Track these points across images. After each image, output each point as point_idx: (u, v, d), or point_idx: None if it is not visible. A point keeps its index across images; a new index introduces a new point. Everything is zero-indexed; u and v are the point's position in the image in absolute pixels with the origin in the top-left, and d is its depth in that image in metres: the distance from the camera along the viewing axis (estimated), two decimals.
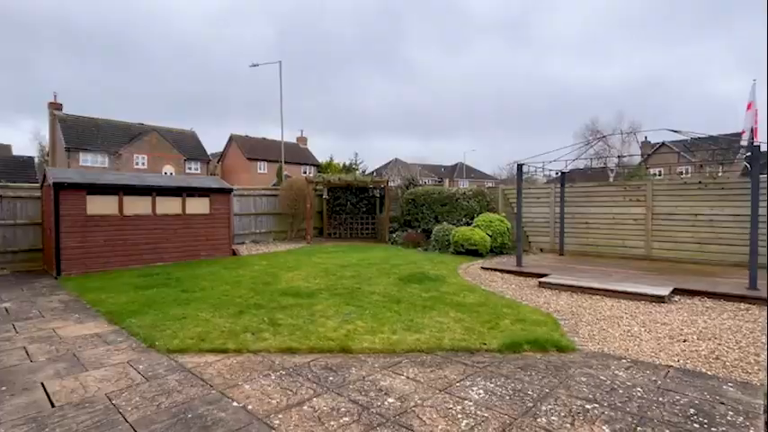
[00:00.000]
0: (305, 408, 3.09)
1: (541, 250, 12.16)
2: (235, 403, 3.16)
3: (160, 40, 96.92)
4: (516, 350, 4.30)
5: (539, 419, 2.91)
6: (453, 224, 12.73)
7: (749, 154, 7.05)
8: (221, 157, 48.41)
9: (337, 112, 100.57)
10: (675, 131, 7.86)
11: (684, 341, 4.61)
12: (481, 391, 3.35)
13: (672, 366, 3.91)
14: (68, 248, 8.82)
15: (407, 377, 3.64)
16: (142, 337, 4.69)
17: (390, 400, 3.21)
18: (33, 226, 10.09)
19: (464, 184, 42.82)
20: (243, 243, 13.87)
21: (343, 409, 3.05)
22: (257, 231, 14.71)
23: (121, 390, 3.41)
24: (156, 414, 3.00)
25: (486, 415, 2.98)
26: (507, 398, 3.24)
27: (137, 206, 9.93)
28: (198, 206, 10.98)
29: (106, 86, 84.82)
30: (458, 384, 3.49)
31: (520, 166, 9.55)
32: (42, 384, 3.52)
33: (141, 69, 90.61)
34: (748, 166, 7.40)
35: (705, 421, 2.88)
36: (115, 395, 3.31)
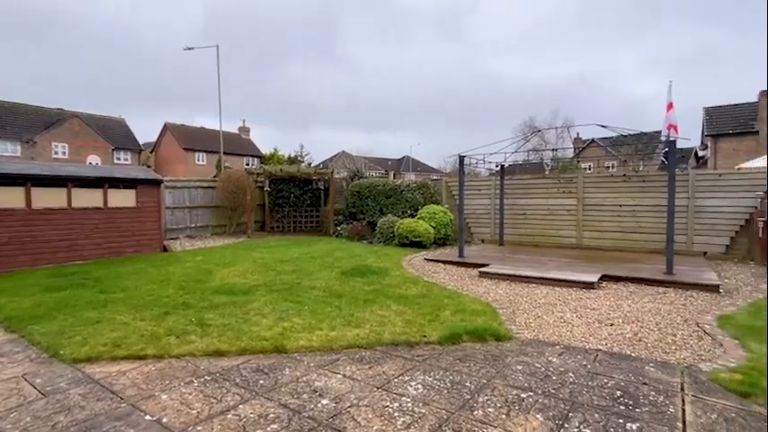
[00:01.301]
0: (229, 416, 2.82)
1: (483, 241, 12.49)
2: (148, 417, 2.82)
3: (87, 21, 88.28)
4: (456, 341, 4.28)
5: (475, 412, 2.87)
6: (398, 216, 12.72)
7: (666, 149, 7.60)
8: (155, 146, 45.13)
9: (284, 105, 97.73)
10: (604, 126, 8.28)
11: (611, 325, 4.85)
12: (419, 386, 3.26)
13: (600, 350, 4.07)
14: None
15: (344, 375, 3.47)
16: (44, 346, 4.13)
17: (324, 401, 3.03)
18: None
19: (411, 177, 43.22)
20: (177, 238, 12.97)
21: (271, 416, 2.83)
22: (193, 225, 13.83)
23: (9, 410, 2.93)
24: None
25: (423, 411, 2.88)
26: (445, 391, 3.18)
27: (49, 199, 8.90)
28: (122, 199, 10.07)
29: (26, 70, 76.04)
30: (396, 380, 3.38)
31: (461, 158, 9.68)
32: None
33: (65, 53, 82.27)
34: (665, 160, 7.99)
35: (630, 403, 2.99)
36: (1, 416, 2.84)
